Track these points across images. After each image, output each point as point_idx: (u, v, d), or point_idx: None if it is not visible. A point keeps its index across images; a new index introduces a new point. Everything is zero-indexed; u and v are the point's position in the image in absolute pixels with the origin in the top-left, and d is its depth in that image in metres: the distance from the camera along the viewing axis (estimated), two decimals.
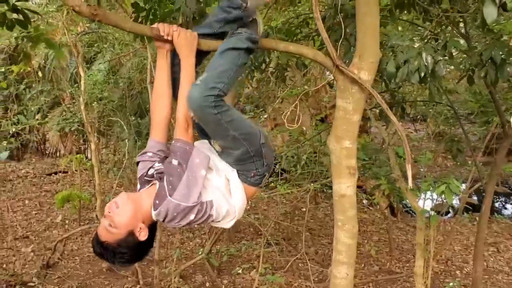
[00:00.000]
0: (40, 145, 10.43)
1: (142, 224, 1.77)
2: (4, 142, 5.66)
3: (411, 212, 10.07)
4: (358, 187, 5.97)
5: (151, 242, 1.85)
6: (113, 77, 6.65)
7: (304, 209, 6.32)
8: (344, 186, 2.34)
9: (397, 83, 2.43)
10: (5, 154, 8.65)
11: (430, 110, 5.80)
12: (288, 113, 2.25)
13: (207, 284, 5.24)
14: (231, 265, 5.74)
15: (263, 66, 3.10)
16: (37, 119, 6.41)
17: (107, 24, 1.87)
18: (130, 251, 1.77)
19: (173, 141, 1.87)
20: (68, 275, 5.16)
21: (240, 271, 5.44)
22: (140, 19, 2.54)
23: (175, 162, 1.80)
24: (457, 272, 6.01)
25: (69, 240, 6.26)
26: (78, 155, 6.92)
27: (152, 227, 1.84)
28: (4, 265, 5.39)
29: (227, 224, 1.95)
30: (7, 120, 5.92)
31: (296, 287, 5.32)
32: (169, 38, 1.88)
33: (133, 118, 6.65)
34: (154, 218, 1.79)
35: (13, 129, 5.40)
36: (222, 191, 1.89)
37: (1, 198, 7.37)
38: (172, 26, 1.89)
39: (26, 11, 2.15)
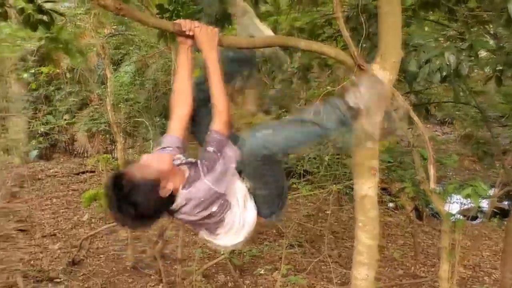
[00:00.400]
0: (68, 145, 10.67)
1: (170, 184, 1.72)
2: (33, 141, 5.81)
3: (437, 216, 9.89)
4: (383, 189, 5.90)
5: (161, 209, 1.78)
6: (139, 78, 6.76)
7: (327, 211, 6.29)
8: (366, 187, 2.32)
9: (420, 83, 2.39)
10: (34, 153, 8.86)
11: (457, 112, 5.68)
12: None
13: (229, 284, 5.25)
14: (253, 266, 5.75)
15: (285, 67, 3.11)
16: (66, 119, 6.56)
17: (131, 18, 1.92)
18: (145, 200, 1.66)
19: (210, 131, 1.87)
20: (93, 273, 5.26)
21: (262, 272, 5.45)
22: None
23: (210, 149, 1.82)
24: (485, 278, 5.87)
25: (94, 238, 6.38)
26: (105, 155, 7.05)
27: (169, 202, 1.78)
28: (32, 262, 5.54)
29: (226, 239, 1.93)
30: (36, 120, 6.09)
31: None
32: (191, 33, 1.91)
33: (158, 119, 6.74)
34: (179, 200, 1.76)
35: (42, 129, 5.55)
36: (240, 198, 1.90)
37: (30, 197, 7.58)
38: (194, 22, 1.92)
39: (52, 12, 2.21)
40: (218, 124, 1.87)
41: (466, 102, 4.52)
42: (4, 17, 2.27)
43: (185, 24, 1.91)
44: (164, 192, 1.72)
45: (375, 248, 2.43)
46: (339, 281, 5.54)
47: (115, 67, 7.81)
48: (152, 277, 5.16)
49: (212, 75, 1.91)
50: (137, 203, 1.64)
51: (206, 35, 1.92)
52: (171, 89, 7.24)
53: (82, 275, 5.18)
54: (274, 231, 7.44)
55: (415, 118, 2.14)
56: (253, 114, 7.23)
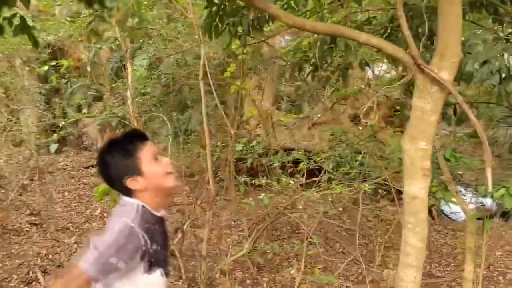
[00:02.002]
0: (78, 139, 10.63)
1: (141, 180, 1.77)
2: (54, 135, 5.76)
3: (446, 215, 9.89)
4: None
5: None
6: (155, 72, 6.71)
7: (341, 209, 6.27)
8: (417, 188, 2.30)
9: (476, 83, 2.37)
10: (54, 146, 8.76)
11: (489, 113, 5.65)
12: (363, 109, 2.22)
13: (248, 281, 5.24)
14: (270, 263, 5.74)
15: (325, 65, 3.08)
16: (84, 113, 6.51)
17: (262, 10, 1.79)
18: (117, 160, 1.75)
19: None
20: None
21: (280, 269, 5.45)
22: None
23: None
24: (500, 278, 5.88)
25: None
26: None
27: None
28: (50, 256, 5.50)
29: None
30: (51, 113, 6.04)
31: (336, 287, 5.27)
32: None
33: (175, 114, 6.70)
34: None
35: (63, 122, 5.50)
36: None
37: (42, 190, 7.54)
38: None
39: None
40: None
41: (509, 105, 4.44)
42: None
43: None
44: (133, 183, 1.77)
45: (423, 250, 2.41)
46: (355, 279, 5.54)
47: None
48: (172, 273, 5.13)
49: None
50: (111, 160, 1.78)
51: None
52: (186, 84, 7.25)
53: None
54: (289, 228, 7.43)
55: (472, 117, 2.12)
56: (269, 111, 7.21)
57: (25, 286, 4.84)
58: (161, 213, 1.86)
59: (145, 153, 1.78)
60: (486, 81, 2.17)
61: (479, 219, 4.14)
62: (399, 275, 2.47)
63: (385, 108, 6.67)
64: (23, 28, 2.47)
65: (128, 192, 1.79)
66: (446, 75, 2.13)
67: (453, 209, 9.92)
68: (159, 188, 1.80)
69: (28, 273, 4.97)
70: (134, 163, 1.76)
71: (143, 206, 1.77)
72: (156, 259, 1.77)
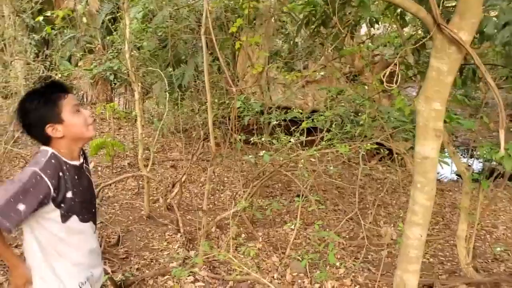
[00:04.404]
0: None
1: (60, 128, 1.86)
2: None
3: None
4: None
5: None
6: (150, 25, 6.53)
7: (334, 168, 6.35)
8: (429, 148, 2.33)
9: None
10: None
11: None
12: (385, 74, 2.21)
13: (243, 236, 5.34)
14: (263, 219, 5.84)
15: (333, 21, 3.02)
16: (80, 66, 6.35)
17: None
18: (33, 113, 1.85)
19: None
20: (110, 221, 5.28)
21: (273, 225, 5.55)
22: None
23: None
24: (488, 236, 6.07)
25: (104, 187, 6.36)
26: (112, 103, 6.91)
27: None
28: None
29: None
30: (43, 65, 5.88)
31: (336, 248, 5.41)
32: None
33: (169, 69, 6.58)
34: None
35: (59, 75, 5.35)
36: None
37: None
38: None
39: None
40: None
41: None
42: None
43: None
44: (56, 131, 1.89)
45: (430, 209, 2.47)
46: (347, 236, 5.68)
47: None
48: (169, 226, 5.20)
49: None
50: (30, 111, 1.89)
51: None
52: (180, 38, 7.08)
53: (99, 223, 5.19)
54: (280, 185, 7.53)
55: (490, 79, 2.12)
56: (262, 67, 7.11)
57: None
58: (76, 162, 1.96)
59: (66, 103, 1.87)
60: (508, 43, 2.15)
61: (475, 180, 4.23)
62: (405, 233, 2.54)
63: (380, 66, 6.68)
64: None
65: (46, 141, 1.89)
66: (466, 35, 2.11)
67: (440, 170, 10.15)
68: (78, 137, 1.91)
69: None
70: (55, 112, 1.84)
71: (55, 154, 1.86)
72: (70, 206, 1.87)
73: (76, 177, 1.92)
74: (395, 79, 2.15)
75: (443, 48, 2.15)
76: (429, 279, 4.34)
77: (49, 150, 1.86)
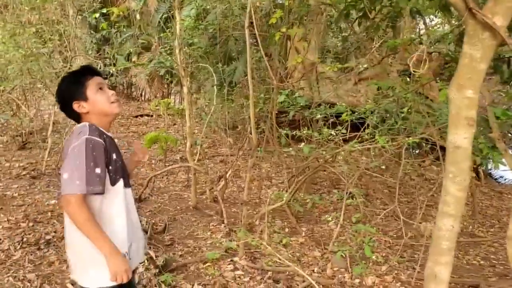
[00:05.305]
0: (126, 89, 10.93)
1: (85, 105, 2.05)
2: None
3: (495, 179, 9.63)
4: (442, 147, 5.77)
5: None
6: (202, 23, 6.72)
7: (383, 167, 6.22)
8: (461, 137, 2.26)
9: None
10: None
11: None
12: (412, 58, 2.18)
13: (286, 230, 5.38)
14: (308, 214, 5.85)
15: (373, 11, 2.99)
16: (134, 62, 6.66)
17: None
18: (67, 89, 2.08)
19: None
20: (159, 210, 5.50)
21: (319, 221, 5.54)
22: None
23: None
24: None
25: (155, 178, 6.63)
26: (166, 99, 7.18)
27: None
28: None
29: None
30: (103, 61, 6.21)
31: (375, 241, 5.32)
32: None
33: (220, 65, 6.74)
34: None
35: (113, 69, 5.65)
36: None
37: None
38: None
39: None
40: None
41: None
42: None
43: None
44: (82, 107, 2.09)
45: (463, 200, 2.39)
46: (394, 235, 5.56)
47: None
48: (214, 217, 5.34)
49: None
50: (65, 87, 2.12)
51: None
52: (232, 35, 7.23)
53: (148, 211, 5.43)
54: (328, 182, 7.49)
55: None
56: (313, 63, 7.11)
57: None
58: (110, 134, 2.11)
59: (91, 83, 2.06)
60: None
61: None
62: (437, 224, 2.48)
63: (436, 62, 6.42)
64: None
65: (76, 117, 2.10)
66: (500, 20, 2.03)
67: (502, 173, 9.65)
68: (102, 113, 2.08)
69: None
70: (80, 90, 2.04)
71: (92, 124, 2.00)
72: (116, 168, 2.01)
73: (114, 143, 2.09)
74: (421, 65, 2.11)
75: (475, 34, 2.08)
76: (476, 280, 4.18)
77: (85, 123, 2.01)
